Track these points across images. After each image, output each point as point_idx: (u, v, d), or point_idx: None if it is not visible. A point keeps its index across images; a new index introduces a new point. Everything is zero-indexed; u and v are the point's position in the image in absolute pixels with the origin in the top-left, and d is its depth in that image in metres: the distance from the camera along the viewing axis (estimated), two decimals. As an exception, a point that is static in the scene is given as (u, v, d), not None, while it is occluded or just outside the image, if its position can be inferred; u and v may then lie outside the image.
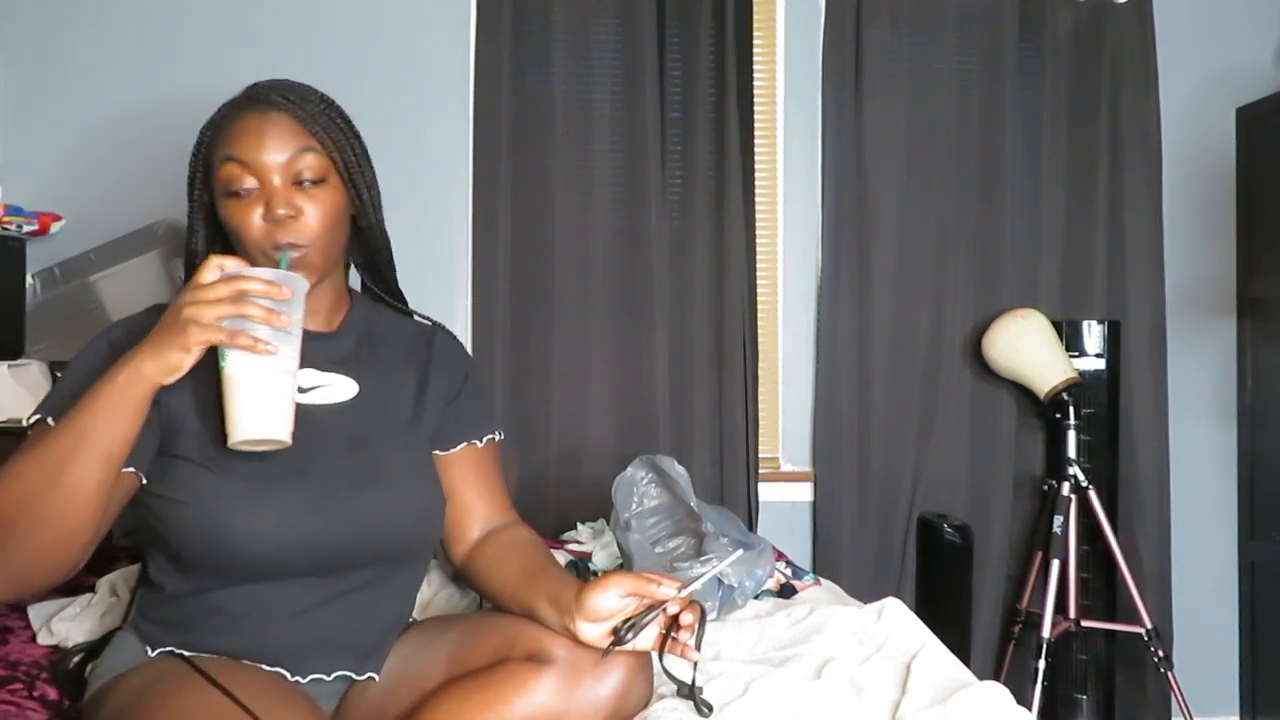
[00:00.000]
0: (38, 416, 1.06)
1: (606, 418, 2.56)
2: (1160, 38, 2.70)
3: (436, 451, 1.29)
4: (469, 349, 2.53)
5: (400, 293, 1.38)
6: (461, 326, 2.57)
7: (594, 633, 1.09)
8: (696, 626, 1.09)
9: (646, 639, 1.09)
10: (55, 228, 2.41)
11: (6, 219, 2.29)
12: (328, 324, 1.26)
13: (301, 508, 1.12)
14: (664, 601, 1.08)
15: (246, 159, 1.13)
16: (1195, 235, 2.80)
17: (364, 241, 1.29)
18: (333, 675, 1.17)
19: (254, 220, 1.13)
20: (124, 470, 1.04)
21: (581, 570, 1.83)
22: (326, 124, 1.18)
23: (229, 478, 1.10)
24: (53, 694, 1.28)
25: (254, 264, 1.11)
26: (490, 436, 1.35)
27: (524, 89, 2.57)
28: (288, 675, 1.14)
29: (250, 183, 1.13)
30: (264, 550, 1.09)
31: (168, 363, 0.96)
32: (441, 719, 1.07)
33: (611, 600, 1.08)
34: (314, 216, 1.15)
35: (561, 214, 2.56)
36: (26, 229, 2.34)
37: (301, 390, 1.16)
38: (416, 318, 1.38)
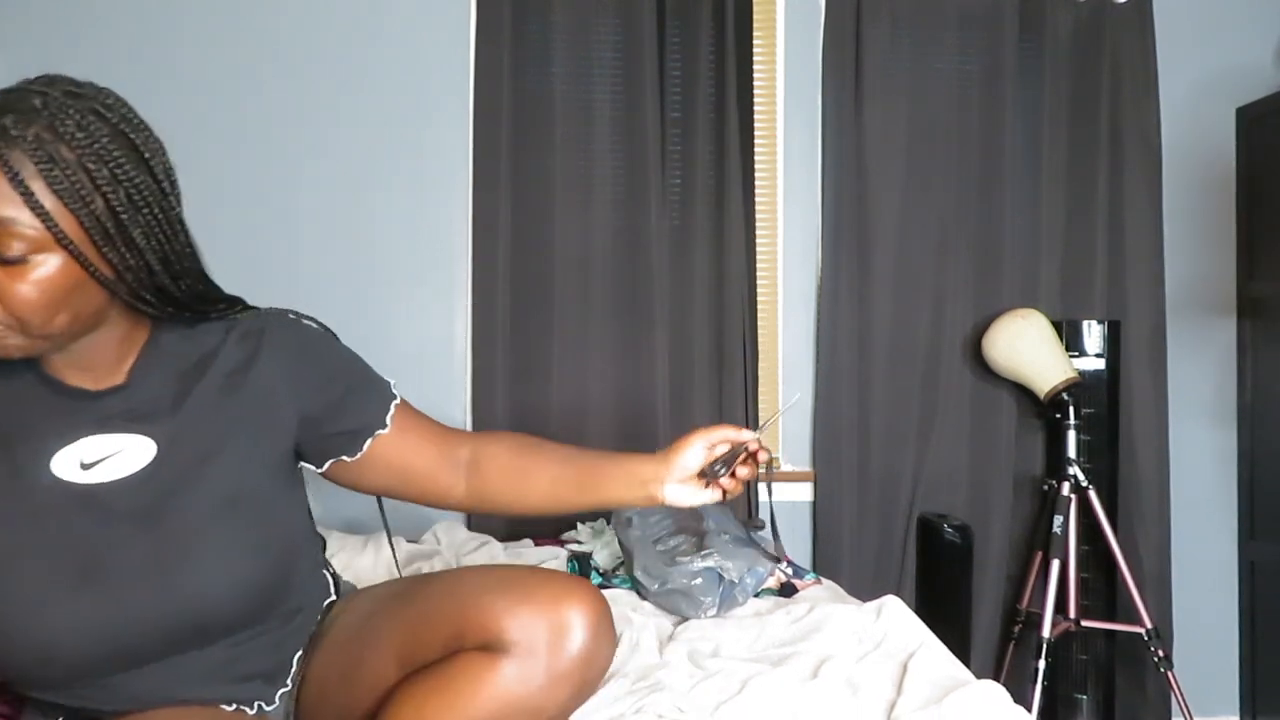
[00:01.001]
0: None
1: (606, 417, 2.56)
2: (1160, 38, 2.71)
3: (344, 458, 1.17)
4: (469, 349, 2.53)
5: (207, 293, 1.10)
6: (461, 326, 2.57)
7: (681, 492, 1.14)
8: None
9: (740, 474, 1.14)
10: (56, 228, 2.41)
11: (7, 219, 2.29)
12: (112, 375, 1.05)
13: (95, 614, 0.95)
14: (745, 443, 1.14)
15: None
16: (1195, 235, 2.80)
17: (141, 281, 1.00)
18: (236, 706, 1.08)
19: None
20: None
21: (583, 566, 1.84)
22: (52, 170, 0.89)
23: (11, 586, 0.95)
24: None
25: None
26: (392, 409, 1.19)
27: (524, 89, 2.57)
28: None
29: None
30: (72, 662, 0.95)
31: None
32: None
33: (698, 454, 1.14)
34: (15, 299, 0.90)
35: (561, 214, 2.56)
36: (27, 229, 2.34)
37: (84, 467, 1.00)
38: (236, 316, 1.16)
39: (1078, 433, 2.49)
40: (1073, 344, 2.61)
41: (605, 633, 1.07)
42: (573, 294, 2.56)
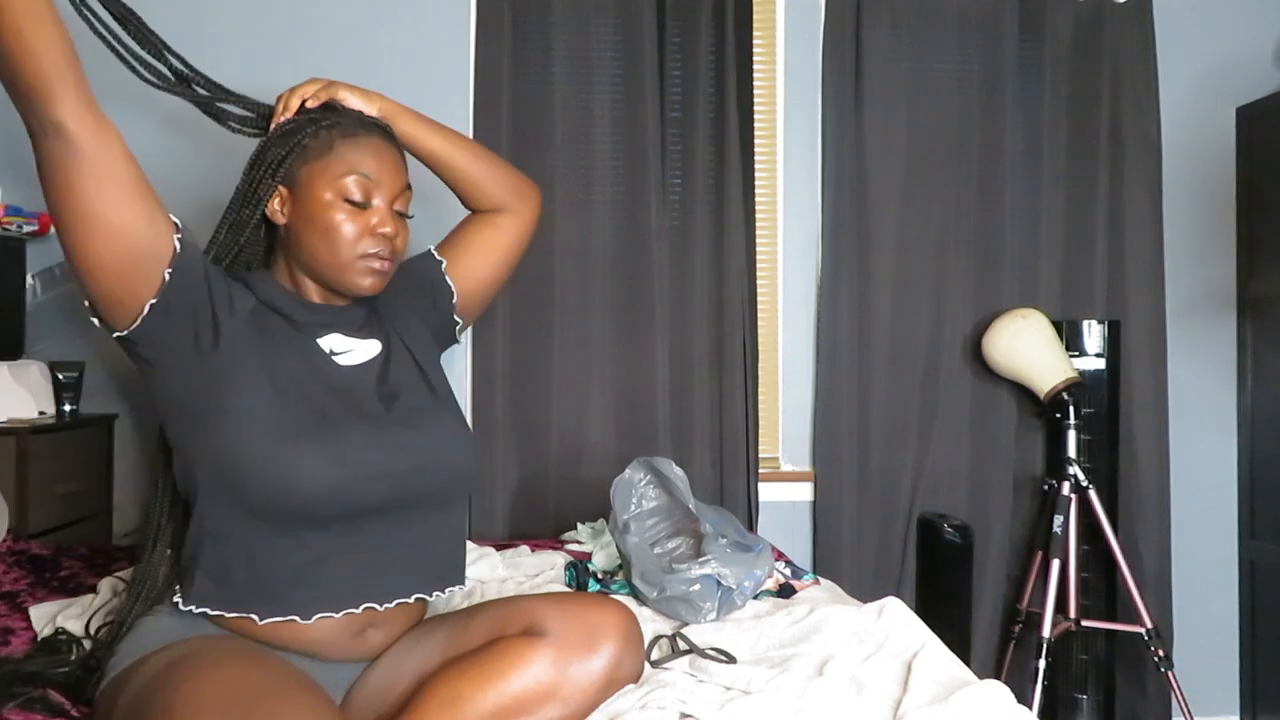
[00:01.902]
0: None
1: (606, 417, 2.56)
2: (1160, 37, 2.71)
3: (454, 300, 1.54)
4: (469, 349, 2.53)
5: None
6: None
7: None
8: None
9: None
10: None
11: (6, 219, 2.28)
12: (339, 298, 1.37)
13: (366, 444, 1.22)
14: None
15: (375, 177, 1.31)
16: (1195, 235, 2.80)
17: None
18: (413, 596, 1.26)
19: (357, 228, 1.29)
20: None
21: (581, 571, 1.83)
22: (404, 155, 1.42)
23: (294, 427, 1.18)
24: (54, 695, 1.27)
25: (330, 268, 1.31)
26: (431, 251, 1.58)
27: (524, 89, 2.57)
28: (378, 607, 1.22)
29: (373, 198, 1.30)
30: (343, 484, 1.18)
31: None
32: (439, 695, 1.10)
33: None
34: (400, 242, 1.35)
35: (561, 214, 2.56)
36: (26, 229, 2.34)
37: (334, 354, 1.31)
38: None
39: (1078, 433, 2.49)
40: (1073, 344, 2.61)
41: (634, 643, 1.20)
42: (573, 294, 2.56)
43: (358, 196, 1.29)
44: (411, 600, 1.27)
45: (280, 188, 1.32)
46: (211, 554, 1.19)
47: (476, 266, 1.57)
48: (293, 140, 1.32)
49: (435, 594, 1.30)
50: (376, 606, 1.22)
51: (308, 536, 1.19)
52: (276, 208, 1.33)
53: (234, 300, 1.27)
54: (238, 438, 1.16)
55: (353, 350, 1.33)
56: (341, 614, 1.20)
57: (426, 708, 1.10)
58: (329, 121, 1.34)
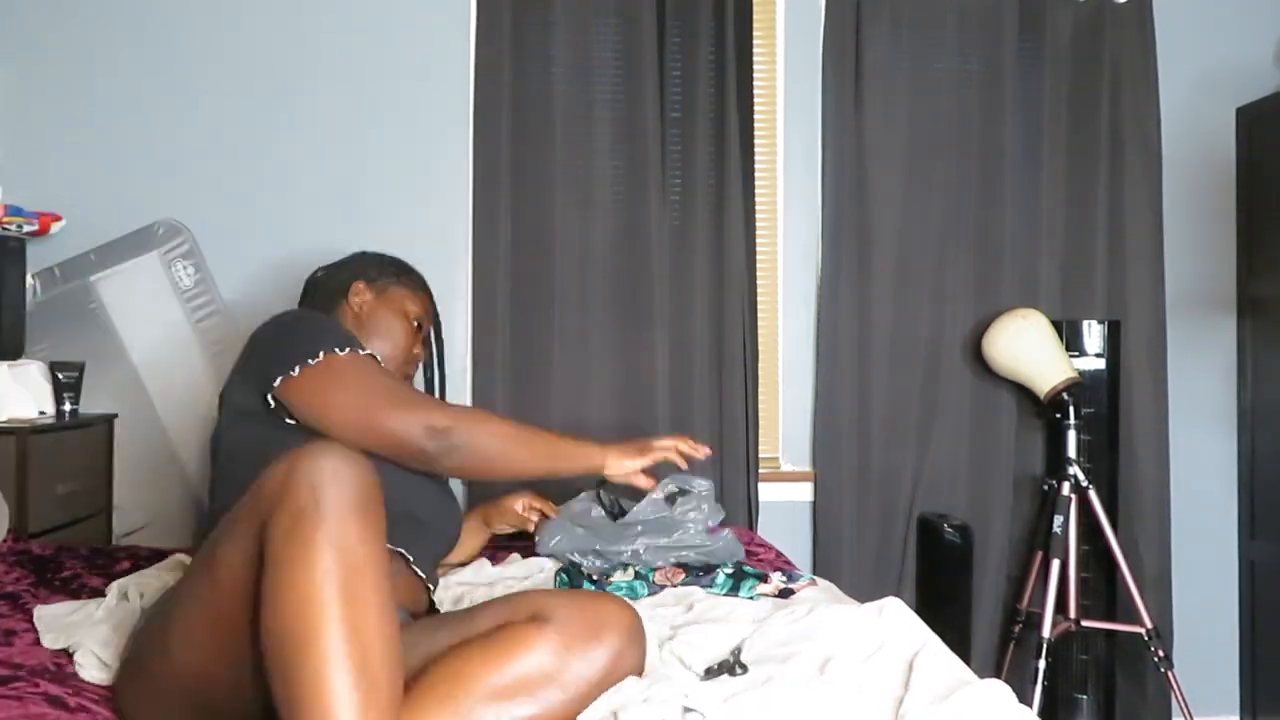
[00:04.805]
0: (367, 352, 1.54)
1: (606, 417, 2.55)
2: (1160, 37, 2.71)
3: None
4: (469, 349, 2.53)
5: None
6: (461, 326, 2.57)
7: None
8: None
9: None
10: (55, 228, 2.41)
11: (6, 219, 2.28)
12: None
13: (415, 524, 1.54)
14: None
15: (427, 323, 1.83)
16: (1195, 235, 2.80)
17: None
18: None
19: (409, 347, 1.78)
20: None
21: (574, 574, 1.83)
22: None
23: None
24: (55, 690, 1.27)
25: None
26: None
27: (524, 89, 2.57)
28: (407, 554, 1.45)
29: (420, 330, 1.81)
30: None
31: (619, 468, 1.68)
32: (442, 671, 1.11)
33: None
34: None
35: (561, 214, 2.56)
36: (26, 229, 2.34)
37: None
38: None
39: (1078, 433, 2.49)
40: (1073, 344, 2.61)
41: (637, 638, 1.21)
42: (573, 293, 2.56)
43: (416, 322, 1.81)
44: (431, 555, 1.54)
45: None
46: None
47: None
48: (392, 269, 1.86)
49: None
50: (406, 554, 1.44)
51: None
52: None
53: None
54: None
55: None
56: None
57: (431, 683, 1.11)
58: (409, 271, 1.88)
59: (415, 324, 1.77)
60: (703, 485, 1.97)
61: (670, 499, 1.91)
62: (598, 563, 1.87)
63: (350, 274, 1.78)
